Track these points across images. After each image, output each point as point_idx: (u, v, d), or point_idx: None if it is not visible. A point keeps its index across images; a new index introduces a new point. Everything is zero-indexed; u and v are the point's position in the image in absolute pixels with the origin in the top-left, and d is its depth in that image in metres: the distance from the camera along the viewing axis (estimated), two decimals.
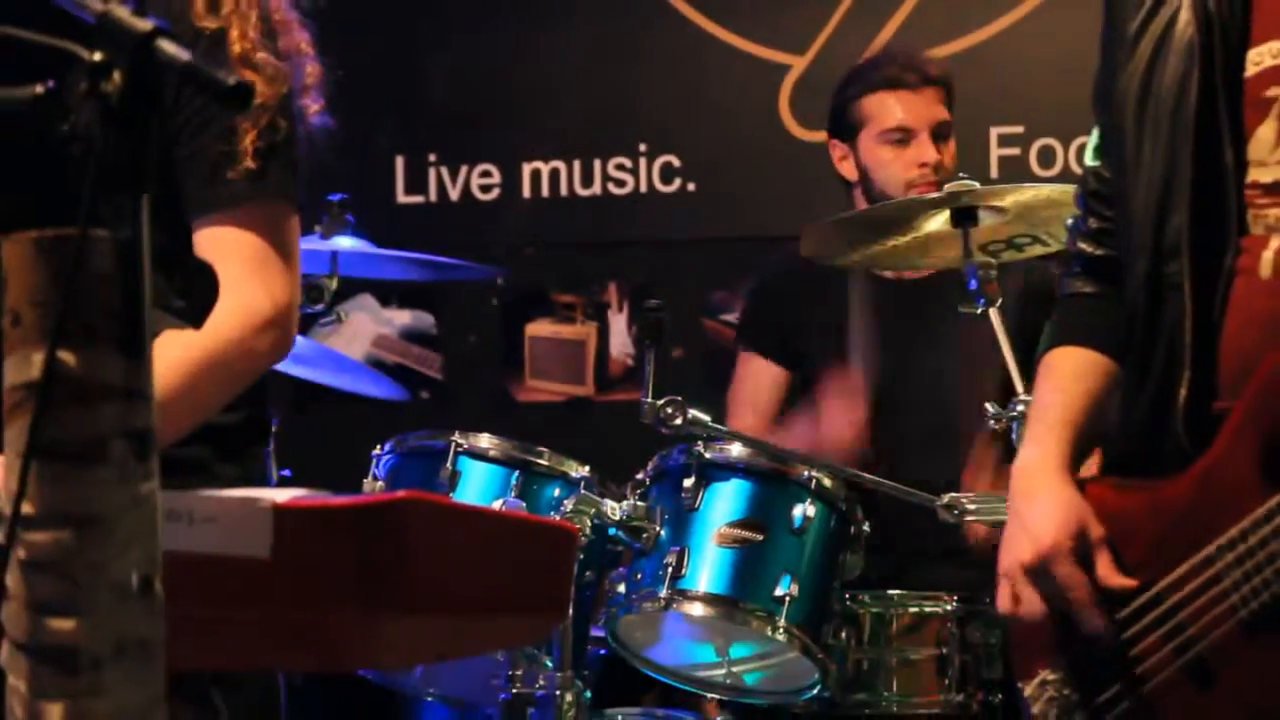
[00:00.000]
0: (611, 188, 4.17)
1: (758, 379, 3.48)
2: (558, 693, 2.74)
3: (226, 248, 1.81)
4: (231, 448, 2.00)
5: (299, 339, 3.28)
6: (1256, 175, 1.76)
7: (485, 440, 2.81)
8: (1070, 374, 1.93)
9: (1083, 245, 1.98)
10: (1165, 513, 1.78)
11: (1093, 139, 1.98)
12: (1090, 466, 1.98)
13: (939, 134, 3.31)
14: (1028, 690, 1.88)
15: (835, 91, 3.42)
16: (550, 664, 2.78)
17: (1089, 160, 1.99)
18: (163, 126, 1.87)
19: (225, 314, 1.76)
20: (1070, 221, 2.06)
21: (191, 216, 1.87)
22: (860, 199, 3.40)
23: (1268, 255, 1.75)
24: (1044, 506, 1.83)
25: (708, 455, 2.83)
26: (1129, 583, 1.78)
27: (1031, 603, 1.82)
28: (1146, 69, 1.83)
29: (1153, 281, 1.81)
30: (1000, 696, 2.80)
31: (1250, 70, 1.77)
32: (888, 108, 3.29)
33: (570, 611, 2.68)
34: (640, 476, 2.87)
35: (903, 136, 3.31)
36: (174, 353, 1.77)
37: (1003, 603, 1.86)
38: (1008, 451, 2.85)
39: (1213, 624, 1.72)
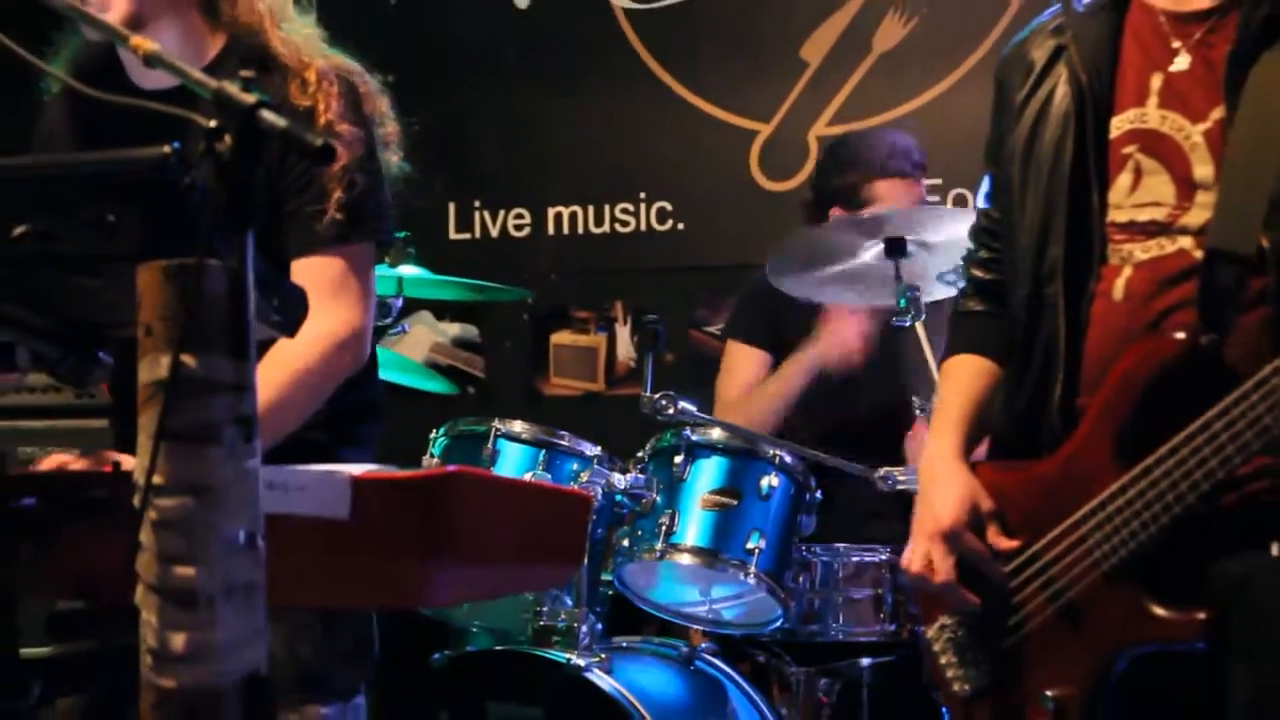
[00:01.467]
0: (618, 227, 4.15)
1: (744, 363, 3.40)
2: (575, 624, 2.75)
3: (316, 280, 1.81)
4: (351, 434, 2.02)
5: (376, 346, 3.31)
6: (1114, 216, 1.76)
7: (518, 426, 2.81)
8: (965, 378, 1.92)
9: (975, 271, 1.97)
10: (1040, 487, 1.78)
11: (984, 186, 1.97)
12: (980, 450, 1.96)
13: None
14: (930, 633, 1.87)
15: (842, 168, 3.30)
16: (569, 602, 2.79)
17: (980, 203, 1.98)
18: (267, 180, 1.89)
19: (313, 338, 1.79)
20: (964, 252, 2.04)
21: (291, 255, 1.88)
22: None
23: (1120, 281, 1.75)
24: (945, 490, 1.82)
25: (694, 438, 2.82)
26: (1013, 544, 1.78)
27: (939, 566, 1.81)
28: (1030, 132, 1.82)
29: (1033, 301, 1.80)
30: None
31: (1113, 133, 1.77)
32: (896, 193, 3.19)
33: (585, 561, 2.70)
34: (640, 454, 2.86)
35: None
36: (275, 375, 1.79)
37: (915, 566, 1.84)
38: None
39: (1080, 576, 1.72)
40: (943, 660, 1.85)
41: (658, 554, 2.75)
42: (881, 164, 3.24)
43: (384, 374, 3.39)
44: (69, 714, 1.80)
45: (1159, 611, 1.68)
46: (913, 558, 1.84)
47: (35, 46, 1.80)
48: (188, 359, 1.05)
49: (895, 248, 2.84)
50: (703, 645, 2.95)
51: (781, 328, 3.38)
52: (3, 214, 1.16)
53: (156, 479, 1.05)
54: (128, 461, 1.47)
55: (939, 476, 1.84)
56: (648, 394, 2.88)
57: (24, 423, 3.06)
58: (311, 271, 1.85)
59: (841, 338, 3.23)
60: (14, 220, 1.16)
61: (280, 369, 1.80)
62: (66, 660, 1.81)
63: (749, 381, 3.38)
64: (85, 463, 1.62)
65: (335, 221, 1.87)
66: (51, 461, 1.61)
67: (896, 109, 3.92)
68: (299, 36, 1.96)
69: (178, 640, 1.05)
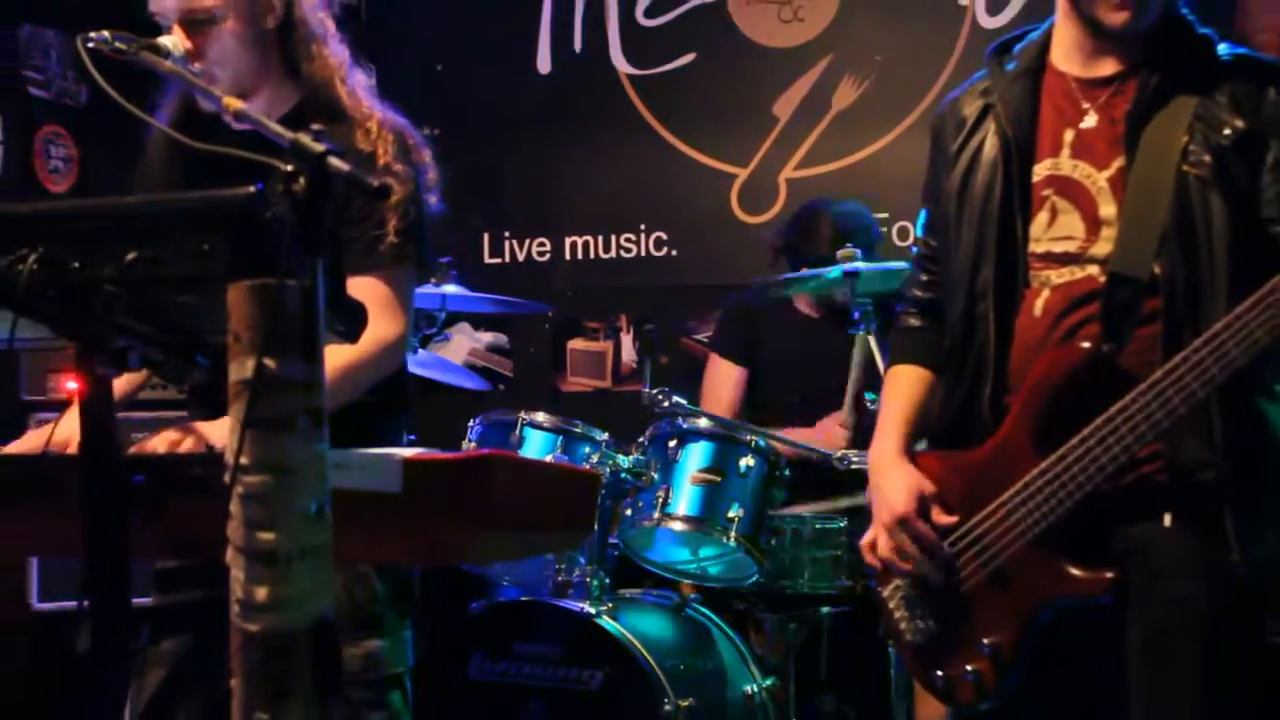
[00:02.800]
0: (622, 253, 4.14)
1: (723, 378, 3.40)
2: (587, 579, 2.77)
3: (368, 296, 1.80)
4: (386, 424, 2.01)
5: (421, 351, 3.31)
6: (1034, 247, 1.75)
7: (541, 416, 2.82)
8: (906, 384, 1.90)
9: (915, 291, 1.94)
10: (974, 472, 1.76)
11: (921, 218, 1.95)
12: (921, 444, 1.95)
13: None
14: (885, 592, 1.86)
15: (798, 235, 3.29)
16: (583, 561, 2.80)
17: (918, 234, 1.96)
18: (335, 215, 1.89)
19: (364, 342, 1.79)
20: (906, 275, 2.02)
21: (352, 273, 1.87)
22: (784, 264, 3.33)
23: (1039, 301, 1.74)
24: (893, 483, 1.80)
25: (685, 426, 2.82)
26: (952, 520, 1.77)
27: (897, 544, 1.79)
28: (964, 175, 1.81)
29: (967, 316, 1.79)
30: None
31: (1034, 178, 1.76)
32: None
33: (595, 527, 2.70)
34: (641, 440, 2.86)
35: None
36: (334, 361, 1.77)
37: (880, 550, 1.81)
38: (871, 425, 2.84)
39: (1009, 544, 1.71)
40: (896, 615, 1.84)
41: (655, 521, 2.77)
42: (832, 242, 3.20)
43: (429, 373, 3.41)
44: (171, 653, 1.79)
45: (1075, 572, 1.68)
46: (874, 541, 1.82)
47: (143, 93, 1.81)
48: (268, 361, 1.05)
49: (851, 274, 2.85)
50: (692, 596, 2.95)
51: (754, 345, 3.40)
52: (118, 243, 1.17)
53: (243, 460, 1.05)
54: (218, 441, 1.48)
55: (887, 471, 1.82)
56: (647, 390, 2.90)
57: (138, 415, 3.07)
58: (364, 288, 1.83)
59: (829, 437, 3.16)
60: (127, 248, 1.16)
61: (338, 358, 1.78)
62: (169, 609, 1.80)
63: (725, 390, 3.37)
64: (190, 441, 1.60)
65: (386, 249, 1.86)
66: (162, 438, 1.60)
67: (850, 157, 3.92)
68: (362, 90, 1.95)
69: (260, 592, 1.05)
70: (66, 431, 1.70)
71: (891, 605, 1.84)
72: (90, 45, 1.59)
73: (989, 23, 3.78)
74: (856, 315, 2.90)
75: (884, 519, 1.80)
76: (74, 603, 1.22)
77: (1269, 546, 1.63)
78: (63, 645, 3.64)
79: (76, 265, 1.16)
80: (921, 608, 1.80)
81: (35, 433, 1.84)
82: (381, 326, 1.84)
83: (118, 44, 1.62)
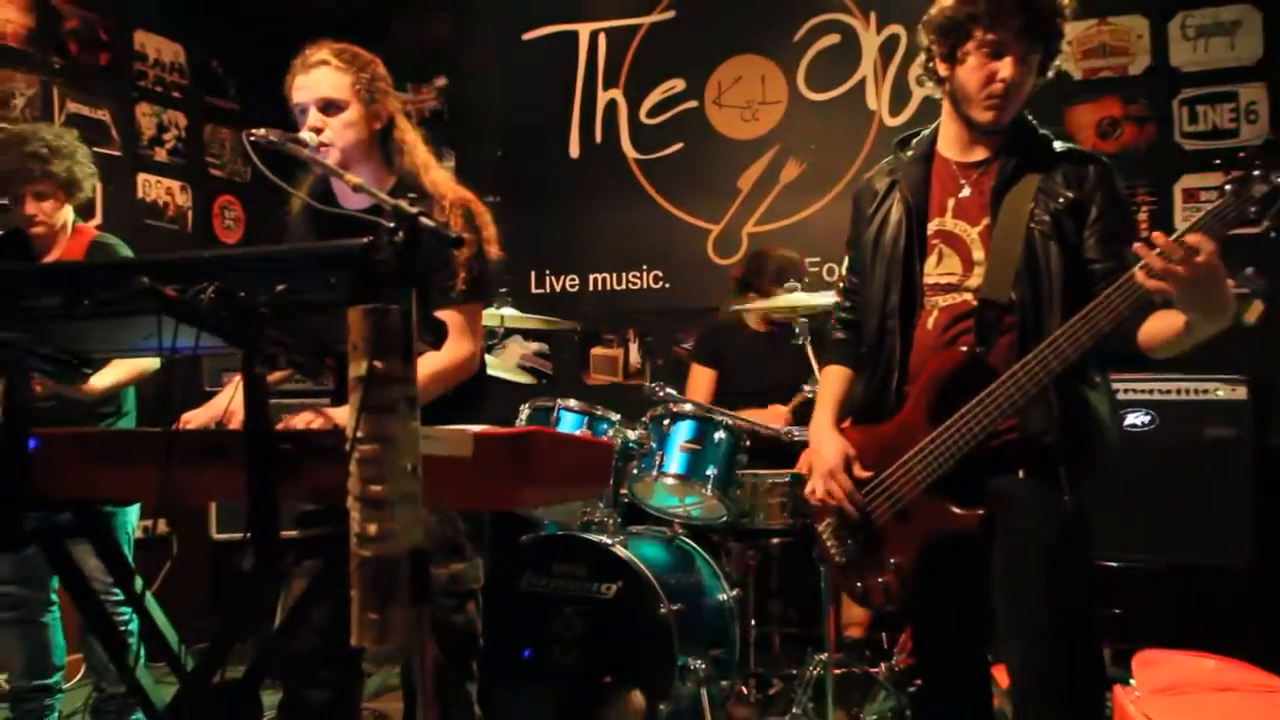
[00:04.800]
0: (630, 285, 4.13)
1: (700, 378, 3.39)
2: (605, 519, 2.77)
3: (450, 323, 1.78)
4: (462, 413, 1.99)
5: (487, 357, 3.29)
6: (927, 280, 1.75)
7: (572, 402, 2.80)
8: (835, 378, 1.89)
9: (841, 314, 1.93)
10: (884, 440, 1.75)
11: (846, 262, 1.93)
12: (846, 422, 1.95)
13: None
14: (819, 527, 1.85)
15: (753, 271, 3.25)
16: (602, 506, 2.79)
17: (844, 272, 1.94)
18: (424, 262, 1.87)
19: (446, 356, 1.79)
20: (834, 302, 2.00)
21: (436, 308, 1.86)
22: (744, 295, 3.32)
23: (930, 319, 1.73)
24: (826, 446, 1.80)
25: (674, 410, 2.81)
26: (868, 475, 1.76)
27: (828, 491, 1.79)
28: (877, 230, 1.80)
29: (879, 330, 1.78)
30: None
31: (928, 231, 1.76)
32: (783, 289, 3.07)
33: (611, 482, 2.71)
34: (643, 420, 2.84)
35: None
36: (424, 370, 1.75)
37: (817, 494, 1.80)
38: (805, 408, 2.84)
39: (909, 491, 1.71)
40: (828, 542, 1.84)
41: (653, 478, 2.76)
42: (776, 277, 3.20)
43: (491, 372, 3.41)
44: (308, 571, 1.78)
45: (956, 510, 1.67)
46: (814, 489, 1.81)
47: (289, 172, 1.81)
48: (377, 363, 1.04)
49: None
50: (680, 531, 2.94)
51: (720, 354, 3.39)
52: (271, 278, 1.17)
53: (359, 433, 1.05)
54: (341, 420, 1.48)
55: (822, 438, 1.82)
56: (648, 384, 2.91)
57: (284, 400, 3.07)
58: (446, 318, 1.82)
59: (773, 417, 3.12)
60: (278, 281, 1.17)
61: (427, 367, 1.77)
62: (308, 540, 1.79)
63: (704, 392, 3.35)
64: (321, 420, 1.60)
65: (460, 290, 1.84)
66: (301, 417, 1.60)
67: (793, 217, 3.91)
68: (439, 176, 1.94)
69: (371, 528, 1.04)
70: (231, 406, 1.71)
71: (825, 535, 1.84)
72: (252, 139, 1.59)
73: (891, 122, 3.78)
74: (796, 330, 2.90)
75: (821, 470, 1.79)
76: (241, 534, 1.22)
77: (1088, 490, 1.63)
78: (234, 564, 3.64)
79: (241, 294, 1.17)
80: (846, 537, 1.80)
81: (208, 405, 1.83)
82: (457, 347, 1.82)
83: (271, 138, 1.62)
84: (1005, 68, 1.63)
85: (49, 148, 2.46)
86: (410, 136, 1.92)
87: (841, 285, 1.96)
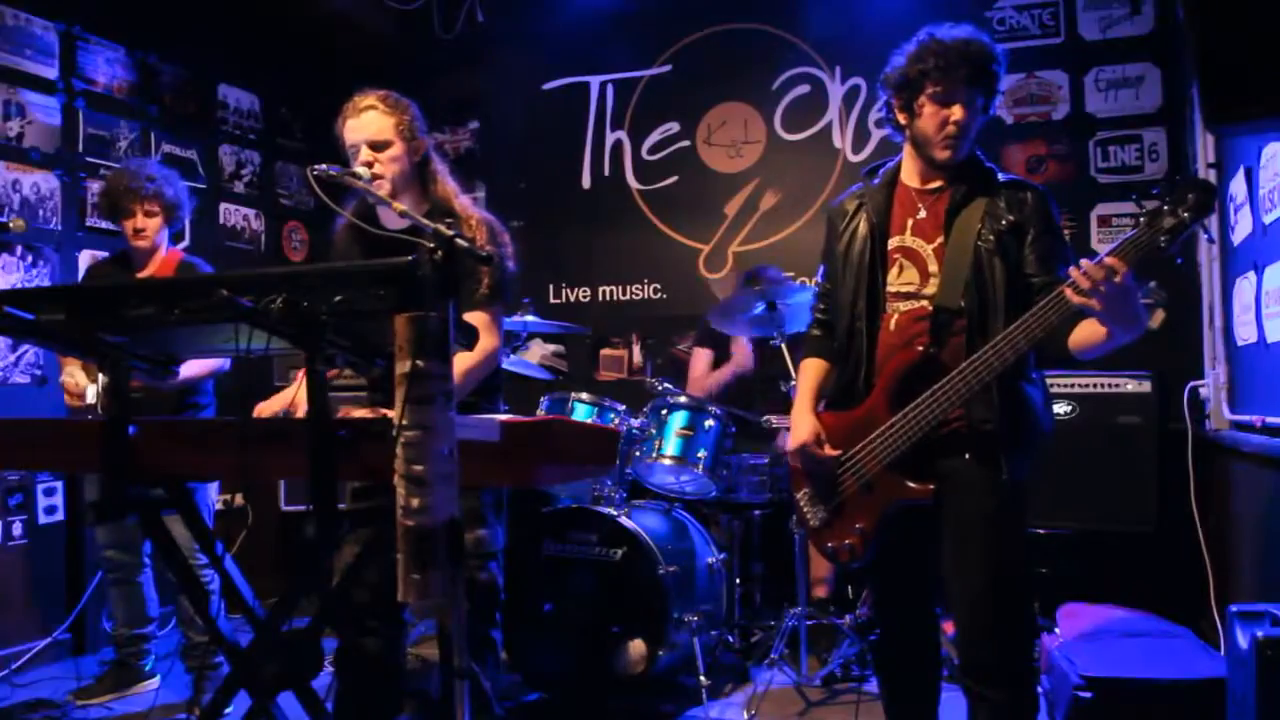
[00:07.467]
0: (633, 296, 4.11)
1: (700, 359, 3.36)
2: (612, 494, 2.73)
3: (478, 323, 1.76)
4: (484, 397, 1.97)
5: (512, 356, 3.28)
6: (889, 289, 1.73)
7: (585, 395, 2.77)
8: (812, 371, 1.86)
9: (816, 315, 1.90)
10: (852, 423, 1.73)
11: (820, 271, 1.91)
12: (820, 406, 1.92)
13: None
14: (796, 495, 1.83)
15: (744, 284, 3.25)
16: (609, 483, 2.76)
17: (819, 280, 1.92)
18: (459, 276, 1.85)
19: (477, 352, 1.77)
20: (810, 304, 1.96)
21: (466, 311, 1.84)
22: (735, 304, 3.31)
23: (892, 321, 1.71)
24: (803, 426, 1.77)
25: (671, 401, 2.78)
26: (837, 453, 1.74)
27: (803, 463, 1.77)
28: (846, 245, 1.78)
29: (849, 331, 1.76)
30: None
31: (890, 247, 1.73)
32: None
33: (617, 463, 2.68)
34: (645, 409, 2.82)
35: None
36: (460, 367, 1.74)
37: (793, 464, 1.79)
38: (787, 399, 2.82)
39: (872, 467, 1.69)
40: (804, 508, 1.82)
41: (653, 459, 2.73)
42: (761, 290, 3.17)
43: (515, 368, 3.38)
44: (361, 538, 1.76)
45: (911, 484, 1.66)
46: (792, 458, 1.80)
47: (338, 205, 1.79)
48: (420, 362, 1.03)
49: (772, 305, 2.81)
50: (676, 504, 2.92)
51: (716, 340, 3.37)
52: (330, 290, 1.15)
53: (404, 421, 1.03)
54: (389, 411, 1.46)
55: (800, 420, 1.80)
56: (648, 379, 2.89)
57: (340, 394, 3.04)
58: (473, 319, 1.79)
59: (741, 357, 3.21)
60: (336, 293, 1.15)
61: (461, 364, 1.75)
62: (360, 512, 1.77)
63: (703, 367, 3.35)
64: (367, 412, 1.58)
65: (485, 295, 1.81)
66: (358, 410, 1.57)
67: (772, 238, 3.90)
68: (463, 200, 1.92)
69: (415, 501, 1.03)
70: (297, 399, 1.68)
71: (801, 503, 1.82)
72: (315, 173, 1.58)
73: (854, 159, 3.78)
74: (774, 331, 2.87)
75: (795, 445, 1.78)
76: (304, 506, 1.20)
77: (1024, 470, 1.62)
78: (298, 532, 3.64)
79: (305, 304, 1.16)
80: (818, 504, 1.78)
81: (277, 397, 1.81)
82: (485, 341, 1.80)
83: (331, 172, 1.61)
84: (955, 112, 1.63)
85: (160, 175, 2.61)
86: (440, 168, 1.91)
87: (817, 291, 1.94)
